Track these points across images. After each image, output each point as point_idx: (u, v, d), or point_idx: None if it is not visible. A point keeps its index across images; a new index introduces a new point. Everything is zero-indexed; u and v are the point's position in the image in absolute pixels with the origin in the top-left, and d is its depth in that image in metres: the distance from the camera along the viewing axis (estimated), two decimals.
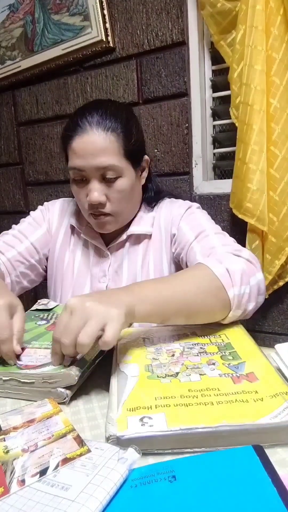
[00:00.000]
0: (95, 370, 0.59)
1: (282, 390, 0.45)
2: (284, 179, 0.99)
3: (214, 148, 1.25)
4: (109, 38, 1.23)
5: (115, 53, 1.26)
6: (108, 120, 0.76)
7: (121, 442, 0.40)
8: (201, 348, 0.58)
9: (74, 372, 0.51)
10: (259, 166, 0.98)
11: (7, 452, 0.40)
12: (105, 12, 1.21)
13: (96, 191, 0.77)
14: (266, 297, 1.11)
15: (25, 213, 1.59)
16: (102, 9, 1.21)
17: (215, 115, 1.22)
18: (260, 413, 0.41)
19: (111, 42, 1.24)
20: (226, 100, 1.14)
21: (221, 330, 0.65)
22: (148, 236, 0.89)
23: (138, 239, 0.89)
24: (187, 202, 0.91)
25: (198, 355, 0.56)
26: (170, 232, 0.87)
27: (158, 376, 0.51)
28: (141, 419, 0.42)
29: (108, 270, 0.89)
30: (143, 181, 0.89)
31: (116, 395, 0.48)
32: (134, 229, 0.88)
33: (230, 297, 0.64)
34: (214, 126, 1.23)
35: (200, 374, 0.50)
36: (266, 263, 1.06)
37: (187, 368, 0.52)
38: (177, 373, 0.51)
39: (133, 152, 0.81)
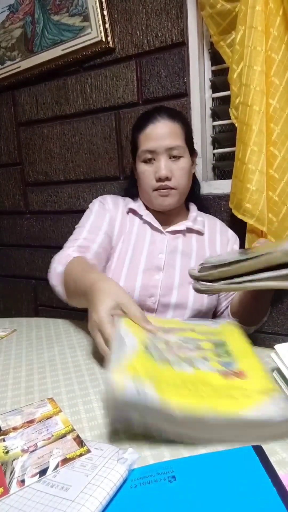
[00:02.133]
0: (96, 371, 0.59)
1: (268, 387, 0.47)
2: (284, 179, 1.00)
3: (213, 149, 1.25)
4: (109, 38, 1.23)
5: (114, 53, 1.26)
6: (173, 114, 0.97)
7: (117, 405, 0.40)
8: (197, 344, 0.59)
9: None
10: (259, 166, 0.99)
11: (7, 452, 0.39)
12: (105, 12, 1.21)
13: (165, 167, 0.93)
14: None
15: (24, 213, 1.60)
16: (101, 9, 1.21)
17: (215, 115, 1.23)
18: (244, 407, 0.42)
19: (110, 43, 1.24)
20: (226, 100, 1.14)
21: (219, 329, 0.65)
22: (201, 233, 1.03)
23: (191, 231, 1.02)
24: (236, 236, 1.07)
25: (193, 350, 0.56)
26: (231, 244, 1.04)
27: (154, 357, 0.51)
28: (134, 382, 0.42)
29: (165, 248, 0.97)
30: (193, 171, 1.05)
31: (115, 350, 0.49)
32: (190, 224, 1.01)
33: None
34: (213, 127, 1.23)
35: (193, 367, 0.51)
36: None
37: (180, 359, 0.52)
38: (171, 361, 0.51)
39: (190, 141, 1.01)
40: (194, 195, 1.10)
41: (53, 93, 1.41)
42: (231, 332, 0.64)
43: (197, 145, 1.21)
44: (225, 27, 1.04)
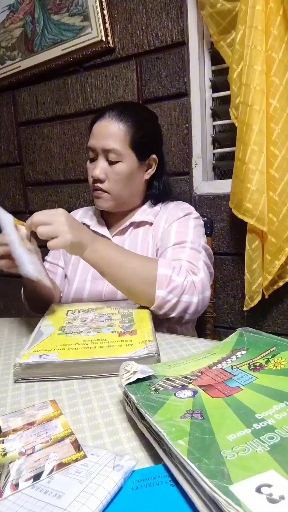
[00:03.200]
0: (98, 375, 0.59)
1: (148, 339, 0.62)
2: (284, 179, 0.99)
3: (213, 148, 1.25)
4: (109, 38, 1.23)
5: (115, 53, 1.26)
6: (125, 114, 0.90)
7: (23, 368, 0.57)
8: (108, 317, 0.75)
9: None
10: (259, 166, 0.98)
11: (4, 455, 0.39)
12: (105, 12, 1.21)
13: (99, 168, 0.89)
14: (266, 297, 1.11)
15: (25, 213, 1.60)
16: (102, 9, 1.21)
17: (215, 115, 1.22)
18: (125, 351, 0.59)
19: (111, 42, 1.24)
20: (226, 100, 1.14)
21: (131, 307, 0.81)
22: (149, 224, 0.96)
23: (139, 225, 0.97)
24: (190, 208, 0.96)
25: (103, 321, 0.72)
26: (165, 225, 0.93)
27: (66, 333, 0.67)
28: (40, 356, 0.58)
29: None
30: (147, 177, 0.97)
31: (29, 342, 0.64)
32: (136, 218, 0.97)
33: (156, 295, 0.75)
34: (214, 126, 1.23)
35: (98, 332, 0.67)
36: (266, 263, 1.06)
37: (90, 328, 0.69)
38: (81, 331, 0.67)
39: (139, 145, 0.91)
40: (162, 196, 1.00)
41: (53, 93, 1.41)
42: (139, 309, 0.79)
43: (197, 145, 1.21)
44: (225, 26, 1.04)
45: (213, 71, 1.19)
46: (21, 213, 1.61)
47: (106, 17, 1.22)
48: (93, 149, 0.90)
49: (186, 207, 0.96)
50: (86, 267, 0.97)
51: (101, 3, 1.20)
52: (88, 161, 0.94)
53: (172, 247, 0.85)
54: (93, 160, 0.92)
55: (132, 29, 1.21)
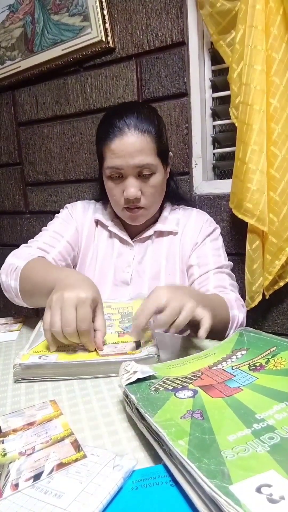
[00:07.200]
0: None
1: (147, 340, 0.64)
2: (284, 179, 0.99)
3: (214, 148, 1.25)
4: (109, 38, 1.23)
5: (114, 53, 1.26)
6: (144, 122, 0.85)
7: (23, 368, 0.58)
8: (108, 317, 0.74)
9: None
10: (259, 166, 0.98)
11: (4, 455, 0.39)
12: (105, 12, 1.21)
13: (133, 187, 0.85)
14: (267, 298, 1.11)
15: (25, 213, 1.60)
16: (102, 9, 1.21)
17: (215, 115, 1.22)
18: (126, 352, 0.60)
19: (110, 43, 1.24)
20: (226, 100, 1.14)
21: (130, 303, 0.83)
22: (173, 233, 0.97)
23: (162, 234, 0.97)
24: (213, 221, 1.01)
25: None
26: (196, 238, 0.95)
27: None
28: (40, 357, 0.59)
29: (132, 261, 0.95)
30: (167, 175, 0.97)
31: (29, 343, 0.65)
32: (160, 226, 0.97)
33: (229, 335, 0.78)
34: (214, 126, 1.23)
35: None
36: (266, 263, 1.05)
37: None
38: None
39: (164, 151, 0.90)
40: (172, 194, 1.03)
41: (53, 93, 1.41)
42: (138, 304, 0.78)
43: (197, 145, 1.21)
44: (224, 26, 1.04)
45: (213, 71, 1.19)
46: (21, 213, 1.61)
47: (106, 17, 1.21)
48: (118, 168, 0.85)
49: (209, 219, 1.00)
50: (104, 270, 0.95)
51: (101, 3, 1.20)
52: (109, 181, 0.88)
53: (213, 271, 0.91)
54: (116, 178, 0.87)
55: (132, 29, 1.21)
